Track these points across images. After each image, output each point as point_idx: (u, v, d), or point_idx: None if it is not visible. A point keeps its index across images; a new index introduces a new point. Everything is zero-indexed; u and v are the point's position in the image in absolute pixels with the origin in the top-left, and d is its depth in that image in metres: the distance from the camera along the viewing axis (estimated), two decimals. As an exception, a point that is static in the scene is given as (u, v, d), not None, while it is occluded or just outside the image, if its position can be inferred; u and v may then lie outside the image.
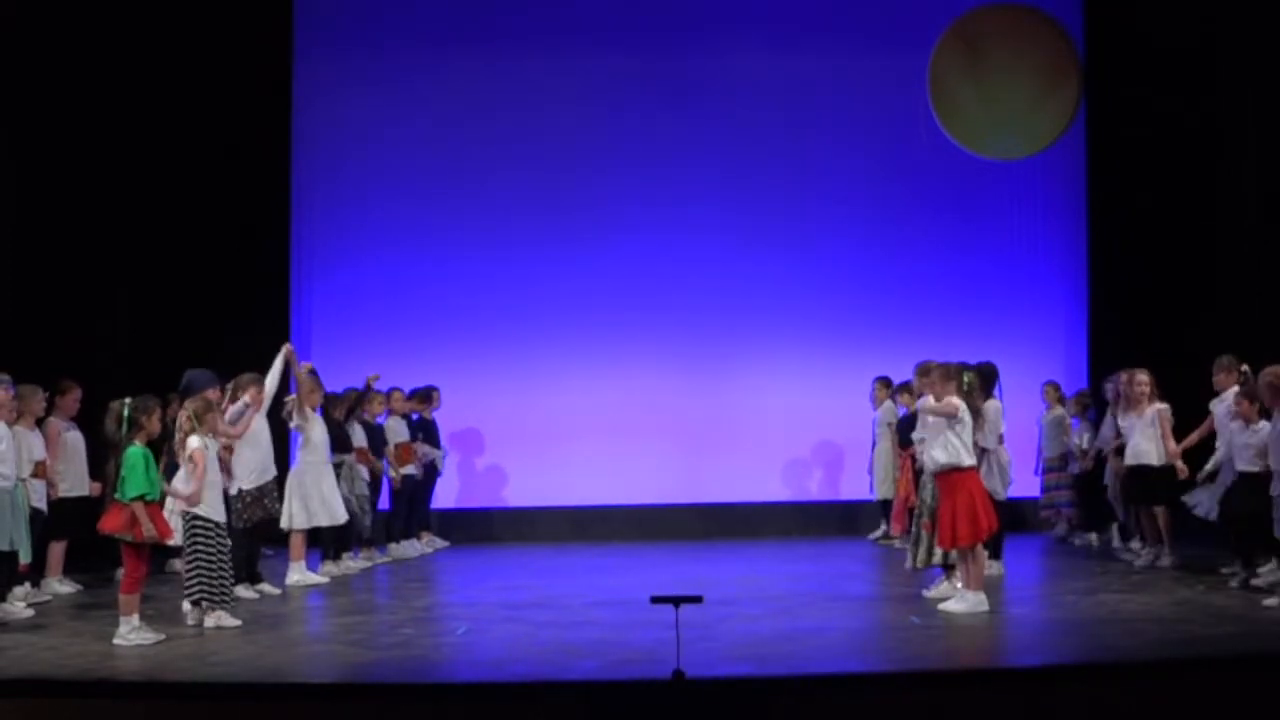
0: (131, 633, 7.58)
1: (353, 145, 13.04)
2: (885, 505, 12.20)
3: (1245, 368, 9.80)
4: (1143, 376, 10.34)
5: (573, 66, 13.17)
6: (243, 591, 9.31)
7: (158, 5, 12.03)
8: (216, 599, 8.16)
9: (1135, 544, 10.90)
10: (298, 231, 13.03)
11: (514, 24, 13.14)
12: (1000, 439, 9.94)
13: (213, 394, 8.97)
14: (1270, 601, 8.42)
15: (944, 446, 8.52)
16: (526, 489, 13.03)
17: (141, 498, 7.68)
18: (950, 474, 8.45)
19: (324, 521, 10.18)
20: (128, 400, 7.80)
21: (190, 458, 8.03)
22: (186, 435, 8.16)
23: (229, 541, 8.41)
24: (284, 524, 10.04)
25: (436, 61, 13.10)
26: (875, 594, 9.35)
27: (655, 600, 6.57)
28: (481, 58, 13.11)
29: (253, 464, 9.43)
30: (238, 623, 8.14)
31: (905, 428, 11.74)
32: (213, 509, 8.24)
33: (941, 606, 8.43)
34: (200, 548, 8.14)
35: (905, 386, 11.79)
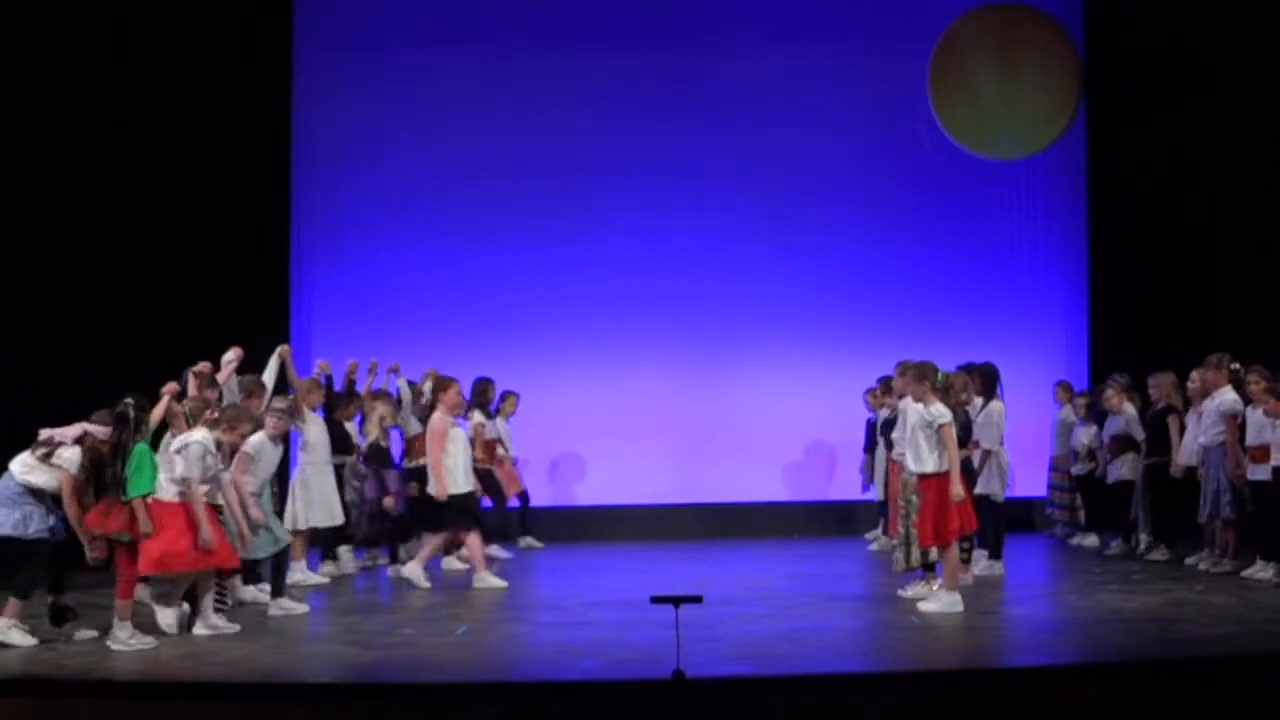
0: (131, 638, 7.56)
1: (353, 144, 13.05)
2: (884, 506, 12.19)
3: (1236, 365, 9.82)
4: (1194, 373, 10.31)
5: (572, 66, 13.18)
6: (242, 592, 9.30)
7: (158, 4, 12.02)
8: (220, 602, 8.15)
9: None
10: (297, 230, 13.04)
11: (514, 22, 13.15)
12: (1001, 440, 9.94)
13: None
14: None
15: (916, 453, 8.54)
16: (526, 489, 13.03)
17: (144, 496, 7.68)
18: (931, 476, 8.46)
19: (322, 522, 10.17)
20: (129, 401, 7.78)
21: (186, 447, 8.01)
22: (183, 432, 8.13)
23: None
24: (285, 523, 10.04)
25: (437, 59, 13.11)
26: (875, 594, 9.35)
27: (655, 600, 6.58)
28: (481, 55, 13.13)
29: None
30: (237, 627, 8.10)
31: (888, 430, 11.75)
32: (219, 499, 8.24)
33: (919, 606, 8.44)
34: None
35: (888, 385, 11.78)
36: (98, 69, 11.64)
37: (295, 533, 10.03)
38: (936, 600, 8.39)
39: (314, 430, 10.22)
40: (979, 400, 9.93)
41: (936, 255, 13.35)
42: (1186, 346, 11.16)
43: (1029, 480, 12.68)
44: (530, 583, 10.17)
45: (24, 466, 7.76)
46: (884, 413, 12.03)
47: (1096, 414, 11.91)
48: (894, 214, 13.33)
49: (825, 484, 13.22)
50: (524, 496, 12.35)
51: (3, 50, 10.96)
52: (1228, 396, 9.73)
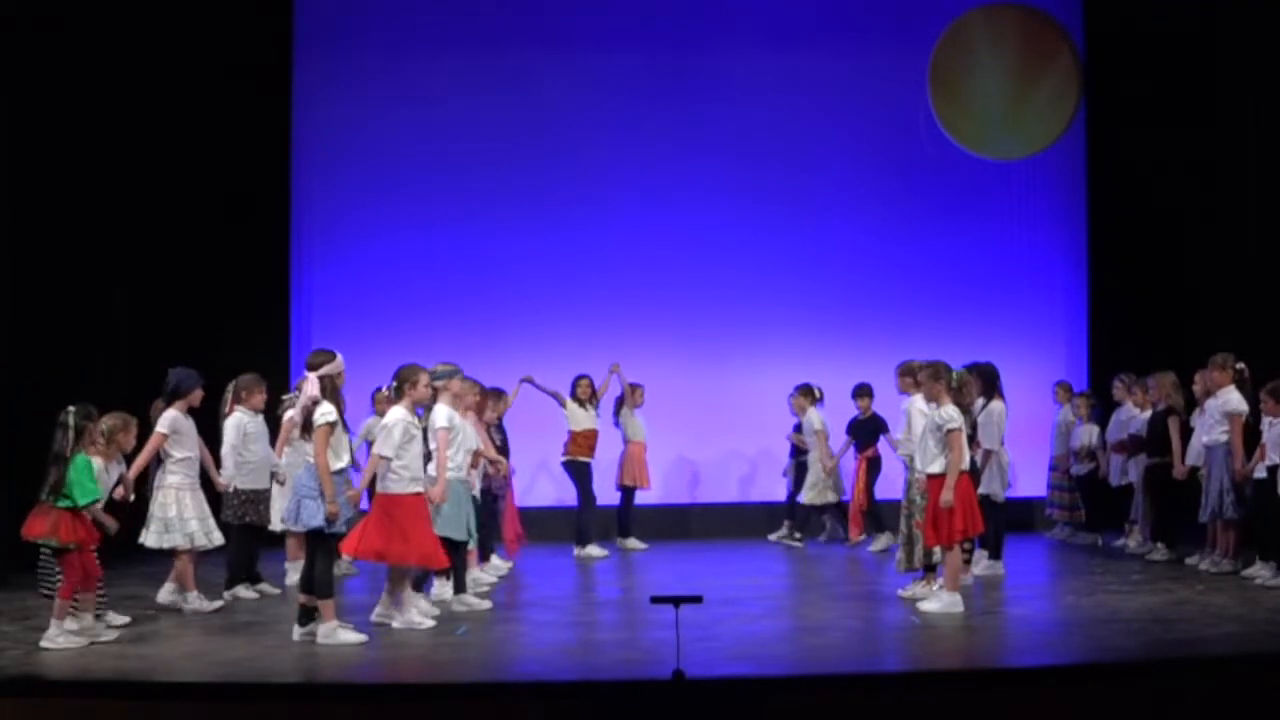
0: (60, 636, 7.49)
1: (352, 133, 12.97)
2: (802, 508, 12.15)
3: (1240, 365, 9.83)
4: (1198, 375, 10.32)
5: (573, 54, 13.13)
6: (243, 591, 9.30)
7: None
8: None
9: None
10: (297, 225, 13.00)
11: (514, 10, 13.12)
12: (1002, 440, 9.96)
13: (196, 396, 8.95)
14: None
15: (925, 454, 8.57)
16: (526, 489, 12.99)
17: (94, 502, 7.66)
18: (939, 477, 8.48)
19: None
20: (71, 409, 7.72)
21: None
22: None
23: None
24: (275, 526, 9.97)
25: (436, 46, 13.03)
26: (875, 594, 9.35)
27: (655, 600, 6.59)
28: (482, 43, 13.06)
29: (250, 465, 9.38)
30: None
31: (861, 431, 11.81)
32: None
33: (920, 606, 8.44)
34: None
35: (862, 389, 11.83)
36: (95, 63, 11.55)
37: (289, 534, 9.96)
38: (937, 600, 8.40)
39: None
40: (980, 400, 9.94)
41: (936, 255, 13.33)
42: (1186, 347, 11.17)
43: (1029, 480, 12.66)
44: (530, 583, 10.16)
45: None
46: (810, 420, 12.05)
47: (1098, 414, 11.93)
48: (893, 215, 13.31)
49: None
50: (629, 493, 12.22)
51: (2, 48, 10.92)
52: (1232, 396, 9.74)
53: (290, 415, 10.03)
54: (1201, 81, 12.65)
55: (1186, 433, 10.45)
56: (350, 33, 13.07)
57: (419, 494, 8.07)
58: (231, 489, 9.32)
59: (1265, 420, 9.38)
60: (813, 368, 12.78)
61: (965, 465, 8.57)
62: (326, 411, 7.60)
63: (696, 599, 6.58)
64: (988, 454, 9.81)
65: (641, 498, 12.63)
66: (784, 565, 10.88)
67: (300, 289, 13.02)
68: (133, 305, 11.94)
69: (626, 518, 12.20)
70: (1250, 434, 9.67)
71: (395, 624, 8.03)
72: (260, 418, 9.59)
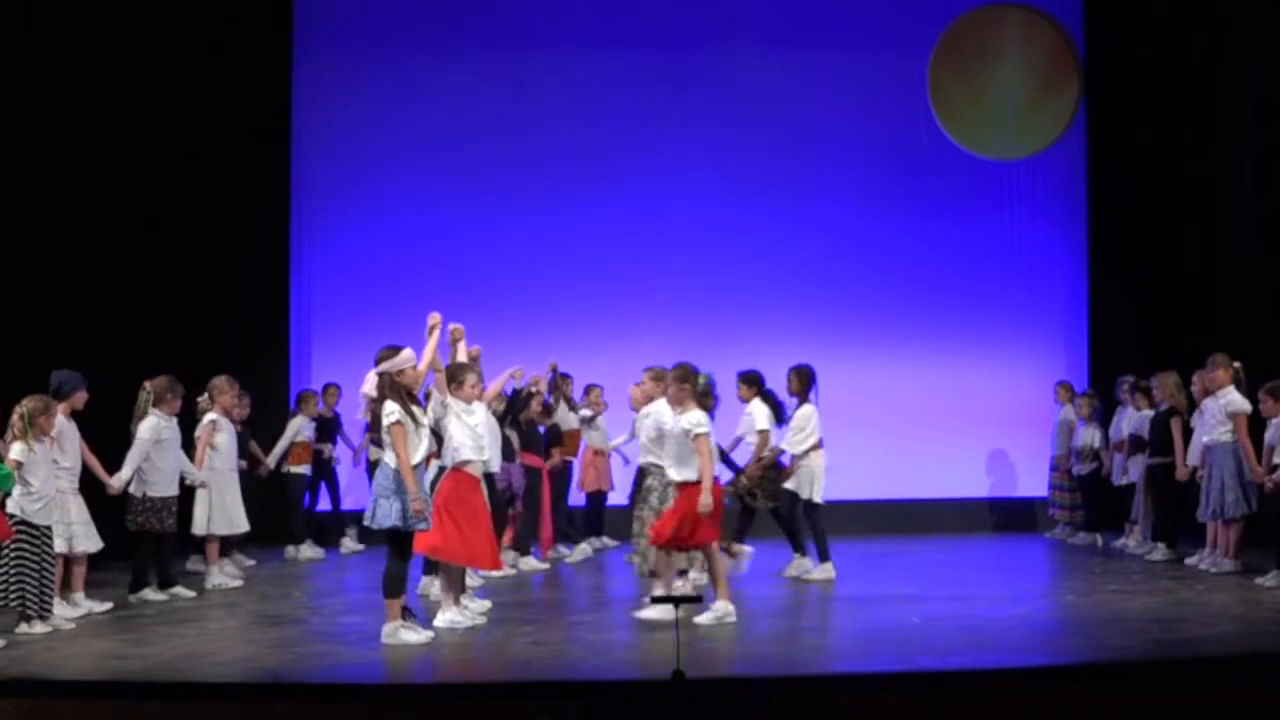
0: None
1: (353, 130, 12.95)
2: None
3: (1238, 364, 9.84)
4: (1196, 375, 10.33)
5: (574, 46, 13.11)
6: (151, 595, 9.23)
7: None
8: (37, 608, 7.97)
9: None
10: (297, 221, 12.98)
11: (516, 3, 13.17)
12: (819, 443, 9.90)
13: (79, 397, 8.79)
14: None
15: (679, 459, 8.14)
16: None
17: None
18: (692, 484, 8.05)
19: (221, 530, 9.98)
20: None
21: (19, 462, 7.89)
22: (13, 440, 7.96)
23: (53, 547, 8.16)
24: (195, 530, 9.92)
25: (437, 37, 13.02)
26: (875, 594, 9.35)
27: (655, 600, 6.59)
28: (481, 32, 13.06)
29: (161, 473, 9.18)
30: (49, 629, 7.98)
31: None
32: (40, 514, 8.01)
33: (695, 619, 7.96)
34: (26, 554, 7.95)
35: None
36: (93, 57, 11.51)
37: (208, 538, 9.98)
38: (712, 612, 7.97)
39: (222, 436, 10.05)
40: (794, 401, 9.96)
41: (936, 255, 13.31)
42: (1187, 347, 11.17)
43: (1030, 480, 12.66)
44: (530, 583, 10.16)
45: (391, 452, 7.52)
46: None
47: (1100, 414, 11.92)
48: (893, 214, 13.28)
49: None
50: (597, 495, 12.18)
51: (1, 44, 10.92)
52: (1233, 396, 9.72)
53: (210, 418, 9.97)
54: (1201, 80, 12.65)
55: (1187, 433, 10.45)
56: (350, 24, 13.05)
57: (479, 493, 8.16)
58: (141, 495, 9.14)
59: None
60: (810, 361, 12.79)
61: (715, 470, 8.19)
62: (390, 411, 7.46)
63: (696, 599, 6.59)
64: (796, 456, 9.82)
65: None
66: (783, 566, 10.85)
67: (300, 285, 13.00)
68: (133, 305, 11.93)
69: (599, 519, 12.14)
70: (1252, 433, 9.67)
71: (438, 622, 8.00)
72: (175, 423, 9.41)
